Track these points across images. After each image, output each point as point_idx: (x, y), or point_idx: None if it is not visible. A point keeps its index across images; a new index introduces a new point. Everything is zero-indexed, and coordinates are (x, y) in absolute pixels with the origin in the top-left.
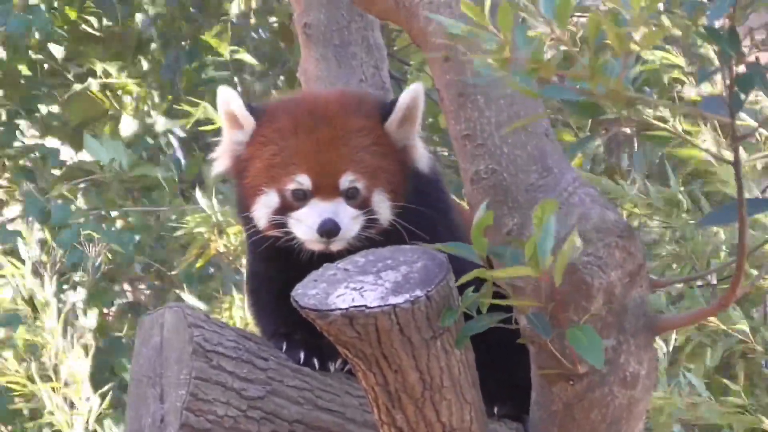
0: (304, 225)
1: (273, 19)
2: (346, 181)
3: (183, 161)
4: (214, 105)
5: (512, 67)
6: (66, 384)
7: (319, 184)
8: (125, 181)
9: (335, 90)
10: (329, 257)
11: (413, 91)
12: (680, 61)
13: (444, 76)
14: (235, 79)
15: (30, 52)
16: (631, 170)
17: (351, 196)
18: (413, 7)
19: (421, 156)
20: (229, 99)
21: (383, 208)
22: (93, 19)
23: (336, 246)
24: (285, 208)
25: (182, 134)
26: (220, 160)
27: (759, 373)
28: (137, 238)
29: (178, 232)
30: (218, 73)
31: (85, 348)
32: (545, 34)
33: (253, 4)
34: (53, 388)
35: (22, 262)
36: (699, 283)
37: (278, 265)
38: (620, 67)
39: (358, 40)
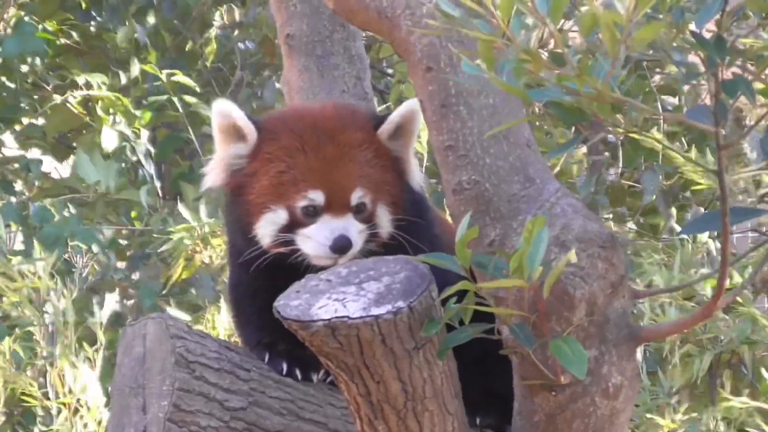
0: (314, 242)
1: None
2: (356, 197)
3: (155, 175)
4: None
5: (500, 61)
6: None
7: (331, 201)
8: (110, 202)
9: (328, 104)
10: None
11: (409, 106)
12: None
13: (426, 87)
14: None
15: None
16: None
17: (359, 211)
18: (395, 17)
19: (414, 173)
20: (229, 110)
21: (385, 221)
22: (74, 32)
23: (344, 261)
24: (293, 225)
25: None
26: (213, 175)
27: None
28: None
29: (164, 246)
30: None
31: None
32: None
33: (237, 17)
34: (64, 404)
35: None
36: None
37: (265, 276)
38: (608, 68)
39: (340, 50)
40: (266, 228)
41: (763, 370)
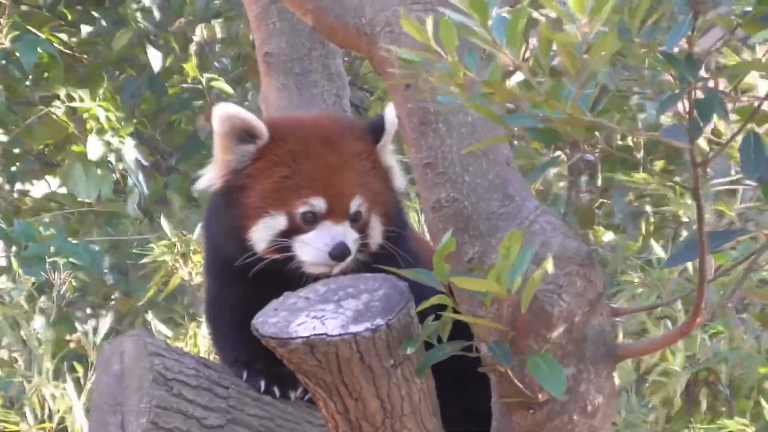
0: (312, 248)
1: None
2: (354, 205)
3: (145, 188)
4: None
5: (471, 92)
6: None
7: (332, 208)
8: (99, 214)
9: (323, 113)
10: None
11: (391, 115)
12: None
13: (405, 104)
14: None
15: None
16: None
17: (355, 219)
18: (374, 35)
19: (399, 175)
20: (237, 111)
21: (377, 232)
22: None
23: (338, 269)
24: (291, 231)
25: (146, 163)
26: (210, 176)
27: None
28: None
29: (144, 260)
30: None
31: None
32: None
33: (218, 33)
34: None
35: None
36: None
37: (246, 289)
38: (576, 89)
39: (319, 68)
40: (263, 233)
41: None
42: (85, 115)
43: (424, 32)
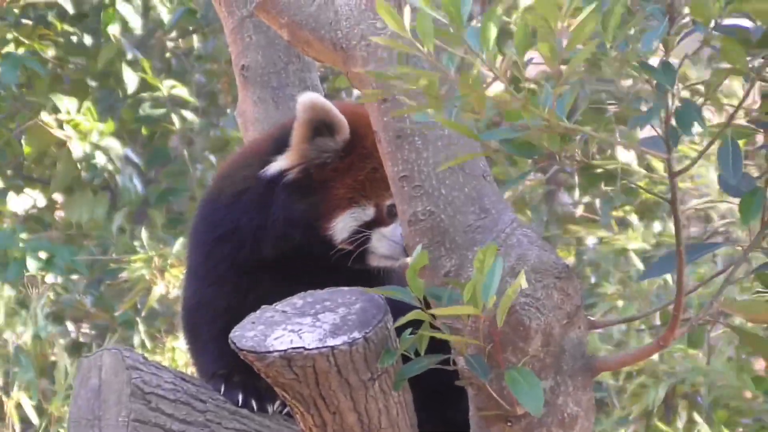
0: (390, 241)
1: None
2: None
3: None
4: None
5: (447, 102)
6: None
7: None
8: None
9: None
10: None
11: None
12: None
13: (381, 118)
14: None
15: None
16: None
17: None
18: (350, 49)
19: None
20: (322, 102)
21: None
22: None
23: (400, 263)
24: (374, 223)
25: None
26: (284, 163)
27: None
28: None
29: (122, 274)
30: (156, 110)
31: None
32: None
33: (195, 44)
34: None
35: None
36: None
37: (233, 288)
38: (554, 87)
39: (295, 81)
40: (347, 223)
41: None
42: (70, 125)
43: (400, 21)
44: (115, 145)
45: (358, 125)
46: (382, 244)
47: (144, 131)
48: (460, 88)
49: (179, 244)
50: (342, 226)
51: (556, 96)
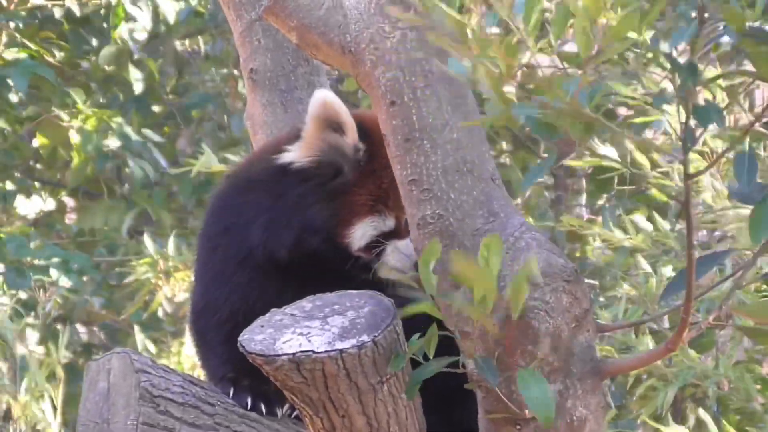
0: (403, 254)
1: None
2: None
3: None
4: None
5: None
6: None
7: None
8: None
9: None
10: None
11: None
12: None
13: (390, 121)
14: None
15: None
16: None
17: None
18: (359, 52)
19: None
20: (333, 101)
21: None
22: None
23: (406, 277)
24: (392, 234)
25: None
26: (296, 154)
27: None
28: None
29: (128, 279)
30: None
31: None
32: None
33: (201, 46)
34: None
35: None
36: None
37: (246, 287)
38: (582, 72)
39: (304, 85)
40: (365, 230)
41: None
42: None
43: None
44: (125, 128)
45: (373, 131)
46: (395, 256)
47: (166, 129)
48: (495, 49)
49: (183, 248)
50: (361, 234)
51: (581, 86)
